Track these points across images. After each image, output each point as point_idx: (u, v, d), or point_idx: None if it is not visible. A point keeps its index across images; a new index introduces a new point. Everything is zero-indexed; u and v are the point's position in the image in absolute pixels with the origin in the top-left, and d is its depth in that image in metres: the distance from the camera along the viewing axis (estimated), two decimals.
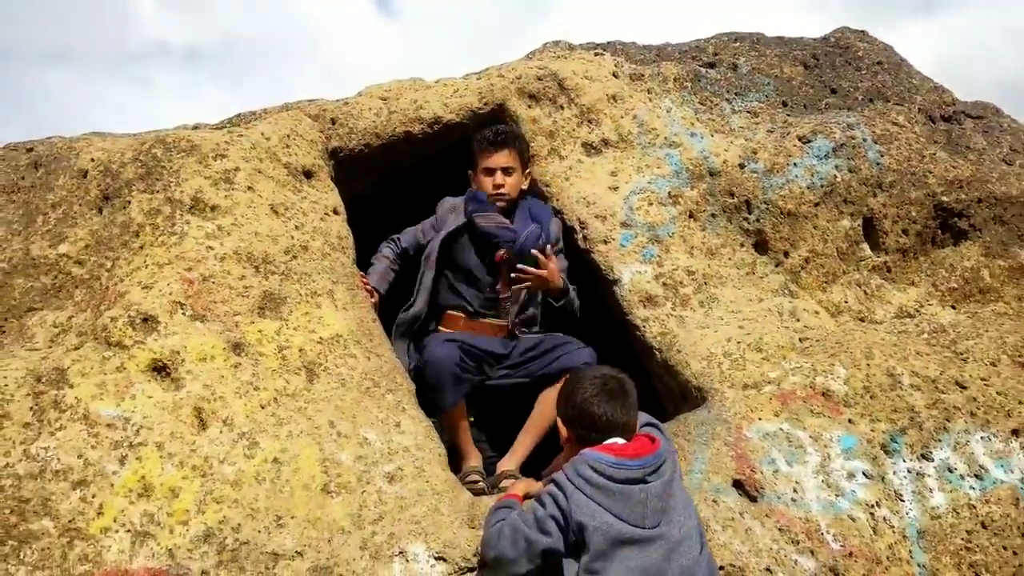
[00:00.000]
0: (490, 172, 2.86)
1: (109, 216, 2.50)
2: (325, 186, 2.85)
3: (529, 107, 3.25)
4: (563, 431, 2.06)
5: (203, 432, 2.14)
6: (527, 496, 2.18)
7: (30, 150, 2.85)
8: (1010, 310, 3.24)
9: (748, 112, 3.64)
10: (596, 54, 3.65)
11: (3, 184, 2.76)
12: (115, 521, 1.96)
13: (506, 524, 1.92)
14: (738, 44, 4.05)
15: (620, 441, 1.94)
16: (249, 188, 2.57)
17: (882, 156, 3.27)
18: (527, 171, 3.02)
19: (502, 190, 2.84)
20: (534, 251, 2.71)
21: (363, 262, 2.90)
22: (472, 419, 2.75)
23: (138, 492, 2.01)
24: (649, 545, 1.78)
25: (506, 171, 2.86)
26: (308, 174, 2.82)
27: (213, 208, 2.48)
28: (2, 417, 2.05)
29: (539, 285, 2.77)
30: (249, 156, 2.64)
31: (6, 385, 2.11)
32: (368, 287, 2.77)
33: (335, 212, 2.80)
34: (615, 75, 3.52)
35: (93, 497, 1.99)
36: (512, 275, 2.72)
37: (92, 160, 2.65)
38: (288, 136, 2.80)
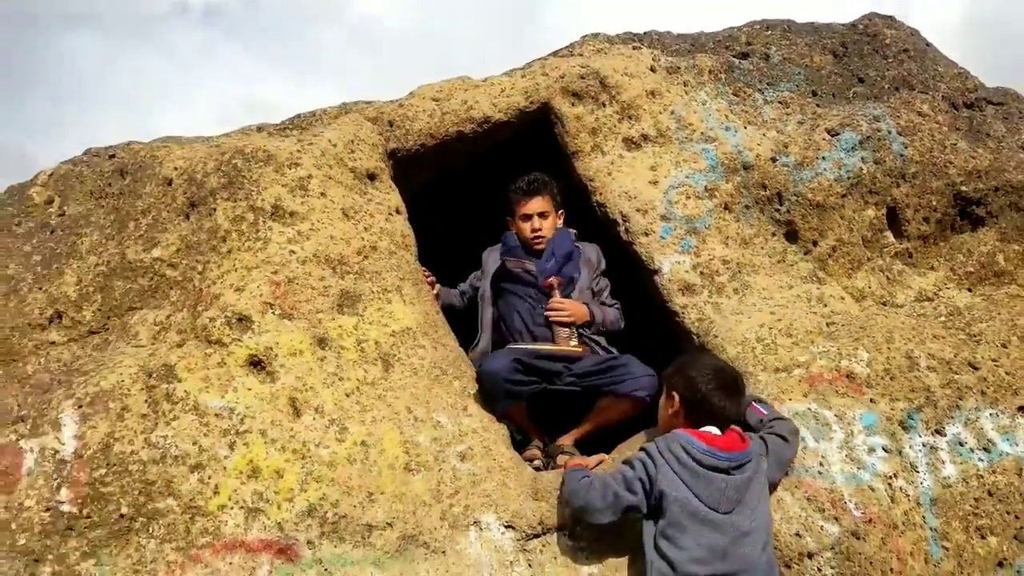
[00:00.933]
0: (527, 218, 3.13)
1: (196, 222, 2.74)
2: (387, 187, 3.07)
3: (572, 105, 3.43)
4: (673, 405, 2.33)
5: (298, 419, 2.42)
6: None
7: (112, 156, 3.07)
8: (1022, 292, 3.45)
9: (780, 102, 3.80)
10: (634, 47, 3.80)
11: (91, 190, 2.99)
12: (230, 499, 2.26)
13: (596, 479, 2.22)
14: (770, 32, 4.17)
15: (715, 431, 2.23)
16: (322, 194, 2.80)
17: (906, 148, 3.45)
18: (560, 211, 3.26)
19: (540, 233, 3.12)
20: (552, 302, 2.96)
21: (423, 257, 3.13)
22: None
23: (247, 474, 2.29)
24: (720, 528, 2.07)
25: (542, 215, 3.14)
26: (372, 176, 3.04)
27: (292, 214, 2.72)
28: (123, 410, 2.33)
29: (568, 318, 2.99)
30: (320, 163, 2.85)
31: (122, 381, 2.38)
32: (429, 279, 3.02)
33: (398, 212, 3.03)
34: (653, 69, 3.68)
35: (209, 479, 2.28)
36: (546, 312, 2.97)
37: (175, 169, 2.88)
38: (352, 142, 3.01)
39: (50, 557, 2.14)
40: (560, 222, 3.25)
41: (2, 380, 2.58)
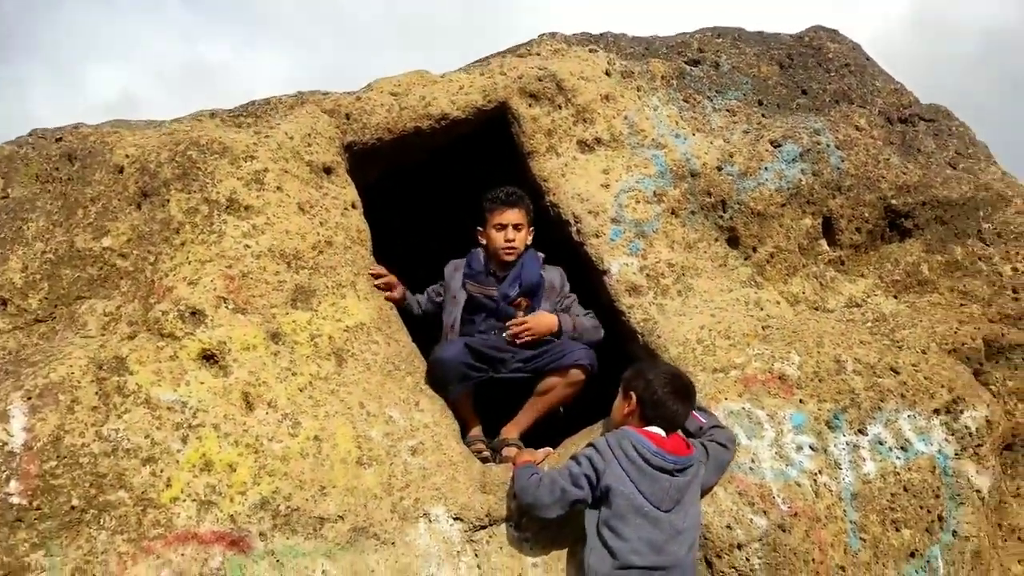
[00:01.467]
0: (502, 228, 3.17)
1: (149, 213, 2.72)
2: (343, 181, 3.09)
3: (529, 106, 3.50)
4: (630, 405, 2.47)
5: (251, 414, 2.45)
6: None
7: (59, 140, 3.00)
8: (943, 300, 3.70)
9: (727, 110, 3.94)
10: (590, 50, 3.89)
11: (36, 173, 2.93)
12: (182, 492, 2.28)
13: (545, 476, 2.34)
14: (721, 40, 4.31)
15: (661, 432, 2.37)
16: (278, 188, 2.81)
17: (843, 161, 3.64)
18: (531, 228, 3.30)
19: (512, 244, 3.16)
20: (512, 323, 3.02)
21: (377, 253, 3.17)
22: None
23: (200, 467, 2.32)
24: (659, 524, 2.22)
25: (516, 227, 3.18)
26: (328, 170, 3.05)
27: (247, 208, 2.72)
28: (73, 402, 2.32)
29: (531, 337, 3.04)
30: (276, 156, 2.86)
31: (72, 373, 2.37)
32: (388, 279, 3.03)
33: (353, 206, 3.06)
34: (608, 73, 3.77)
35: (161, 472, 2.29)
36: (505, 335, 3.03)
37: (127, 156, 2.84)
38: (309, 135, 3.02)
39: None
40: (530, 239, 3.29)
41: None
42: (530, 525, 2.53)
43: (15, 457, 2.21)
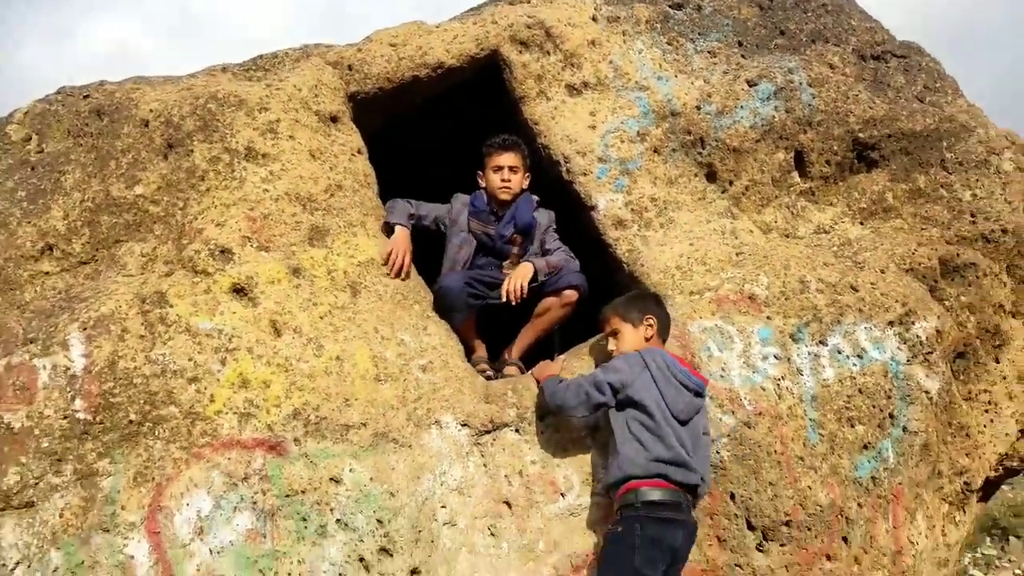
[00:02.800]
0: (499, 169, 3.44)
1: (175, 162, 2.99)
2: (349, 129, 3.35)
3: (520, 53, 3.72)
4: (652, 328, 2.85)
5: (279, 338, 2.78)
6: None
7: (87, 96, 3.24)
8: (905, 225, 3.99)
9: (708, 52, 4.16)
10: None
11: (68, 128, 3.18)
12: (224, 406, 2.63)
13: (571, 382, 2.72)
14: None
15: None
16: (291, 136, 3.07)
17: (814, 98, 3.88)
18: (527, 173, 3.55)
19: (508, 184, 3.44)
20: (502, 291, 3.20)
21: (382, 194, 3.44)
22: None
23: (238, 384, 2.66)
24: (682, 429, 2.60)
25: (512, 169, 3.45)
26: (334, 119, 3.31)
27: (264, 156, 2.99)
28: (123, 332, 2.64)
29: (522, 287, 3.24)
30: (287, 107, 3.11)
31: (120, 307, 2.68)
32: (402, 252, 3.17)
33: (359, 152, 3.32)
34: (595, 19, 3.98)
35: (205, 389, 2.63)
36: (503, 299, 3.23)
37: (151, 111, 3.09)
38: (316, 86, 3.26)
39: (70, 457, 2.49)
40: (526, 183, 3.56)
41: (2, 307, 2.84)
42: (529, 429, 2.89)
43: (78, 379, 2.55)
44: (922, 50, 4.55)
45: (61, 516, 2.45)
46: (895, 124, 3.98)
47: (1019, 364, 3.94)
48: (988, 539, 9.52)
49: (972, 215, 3.95)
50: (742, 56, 4.17)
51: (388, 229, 3.27)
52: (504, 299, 3.15)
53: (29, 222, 3.00)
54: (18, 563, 2.44)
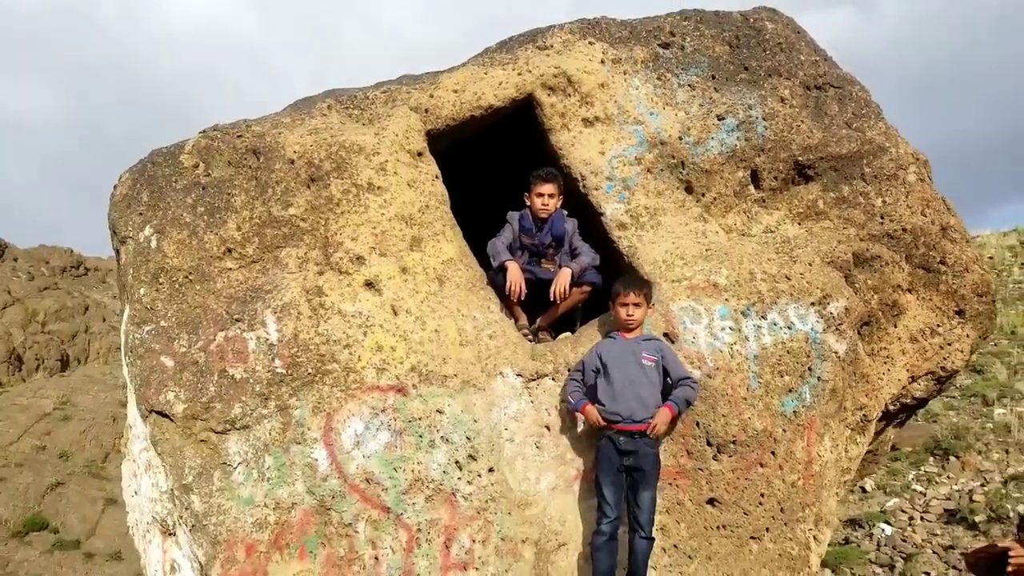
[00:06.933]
0: (540, 195, 4.68)
1: (316, 192, 4.22)
2: (429, 160, 4.58)
3: (548, 95, 4.94)
4: (651, 309, 4.21)
5: (397, 317, 4.10)
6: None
7: (240, 136, 4.40)
8: (832, 225, 5.37)
9: (689, 85, 5.39)
10: (589, 43, 5.25)
11: (228, 160, 4.36)
12: (367, 363, 3.97)
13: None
14: (687, 23, 5.66)
15: None
16: (395, 172, 4.31)
17: (766, 130, 5.18)
18: (561, 195, 4.78)
19: (547, 207, 4.70)
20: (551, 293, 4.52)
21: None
22: None
23: (375, 349, 3.99)
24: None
25: (550, 195, 4.69)
26: (420, 153, 4.54)
27: (379, 188, 4.24)
28: (299, 314, 3.94)
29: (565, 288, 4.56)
30: (391, 150, 4.34)
31: (294, 297, 3.98)
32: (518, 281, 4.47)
33: (437, 177, 4.57)
34: (602, 62, 5.17)
35: (354, 352, 3.97)
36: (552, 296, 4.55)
37: (295, 152, 4.29)
38: (407, 130, 4.47)
39: (272, 396, 3.84)
40: (559, 203, 4.83)
41: (202, 293, 4.10)
42: (561, 377, 4.29)
43: (274, 347, 3.87)
44: (855, 80, 5.82)
45: (269, 434, 3.81)
46: (827, 149, 5.31)
47: (911, 328, 5.43)
48: (931, 458, 11.31)
49: (881, 217, 5.34)
50: (715, 90, 5.41)
51: (499, 265, 4.56)
52: (552, 298, 4.50)
53: (212, 231, 4.22)
54: (240, 463, 3.81)
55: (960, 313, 5.30)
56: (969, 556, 3.11)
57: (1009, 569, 2.59)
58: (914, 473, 11.10)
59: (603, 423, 3.96)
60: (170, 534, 4.06)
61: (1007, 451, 11.00)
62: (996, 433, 11.34)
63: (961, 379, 12.67)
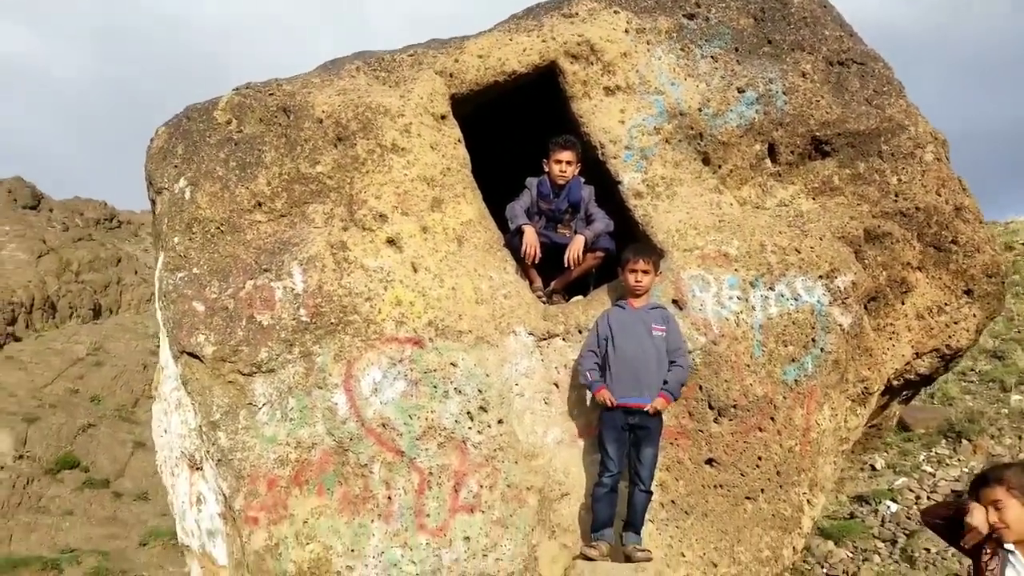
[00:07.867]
0: (559, 162, 4.78)
1: (343, 151, 4.40)
2: (452, 123, 4.73)
3: (571, 63, 5.04)
4: (654, 274, 4.36)
5: (417, 274, 4.30)
6: None
7: (271, 94, 4.58)
8: (845, 201, 5.45)
9: (711, 57, 5.45)
10: (614, 12, 5.31)
11: (260, 117, 4.55)
12: (387, 316, 4.18)
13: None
14: None
15: None
16: (419, 135, 4.47)
17: (785, 104, 5.24)
18: (579, 163, 4.86)
19: (565, 174, 4.79)
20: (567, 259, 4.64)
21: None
22: None
23: (394, 303, 4.20)
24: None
25: (568, 163, 4.78)
26: (443, 117, 4.68)
27: (403, 149, 4.40)
28: (323, 267, 4.15)
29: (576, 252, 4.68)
30: (415, 112, 4.49)
31: (319, 251, 4.18)
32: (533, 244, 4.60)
33: (460, 141, 4.72)
34: (626, 31, 5.24)
35: (375, 305, 4.18)
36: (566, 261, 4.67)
37: (323, 112, 4.46)
38: (431, 94, 4.62)
39: (297, 343, 4.08)
40: (577, 170, 4.95)
41: (233, 243, 4.33)
42: (572, 337, 4.48)
43: (300, 296, 4.09)
44: (878, 57, 5.83)
45: (293, 378, 4.06)
46: (845, 125, 5.35)
47: (918, 305, 5.52)
48: (944, 440, 11.37)
49: (896, 195, 5.41)
50: (737, 62, 5.46)
51: (516, 228, 4.68)
52: (567, 264, 4.65)
53: (243, 185, 4.43)
54: (265, 404, 4.07)
55: (968, 292, 5.37)
56: (926, 514, 3.27)
57: (965, 534, 2.73)
58: (925, 454, 11.20)
59: (613, 404, 4.14)
60: (197, 468, 4.35)
61: (1020, 437, 11.05)
62: (1011, 419, 11.37)
63: (981, 364, 12.66)
